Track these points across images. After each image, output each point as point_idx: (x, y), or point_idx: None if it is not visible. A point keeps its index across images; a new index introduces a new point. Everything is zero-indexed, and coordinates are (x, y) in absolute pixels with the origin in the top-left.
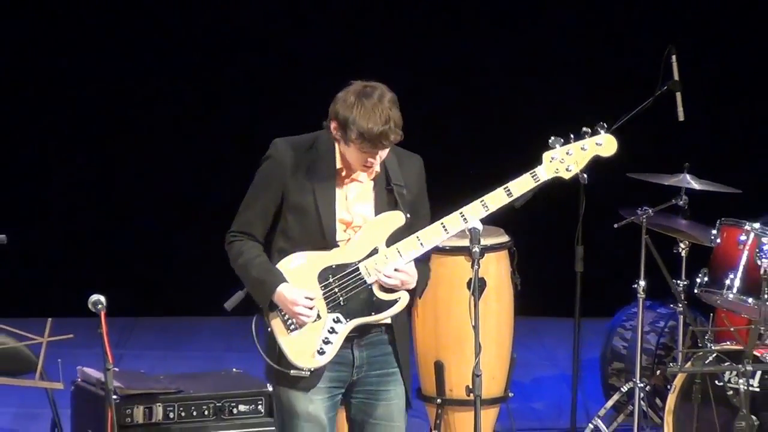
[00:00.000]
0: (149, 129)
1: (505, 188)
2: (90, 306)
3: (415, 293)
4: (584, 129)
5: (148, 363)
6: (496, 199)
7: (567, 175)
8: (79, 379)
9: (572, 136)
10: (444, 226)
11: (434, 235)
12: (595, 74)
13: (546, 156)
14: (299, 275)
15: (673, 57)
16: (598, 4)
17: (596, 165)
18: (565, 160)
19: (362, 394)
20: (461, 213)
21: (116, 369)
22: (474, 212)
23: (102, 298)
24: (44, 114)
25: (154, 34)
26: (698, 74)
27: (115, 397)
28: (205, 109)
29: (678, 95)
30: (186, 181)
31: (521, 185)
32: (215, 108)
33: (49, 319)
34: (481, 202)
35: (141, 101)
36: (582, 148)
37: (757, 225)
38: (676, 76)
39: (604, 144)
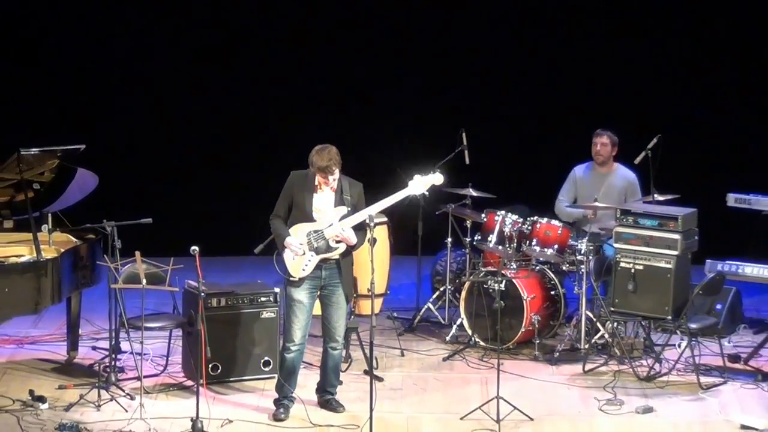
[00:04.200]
0: (227, 138)
1: (390, 197)
2: (191, 251)
3: (354, 247)
4: (431, 170)
5: (219, 279)
6: (386, 201)
7: (418, 193)
8: (186, 287)
9: (421, 174)
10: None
11: (359, 217)
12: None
13: (410, 183)
14: (297, 233)
15: (464, 134)
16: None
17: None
18: (418, 185)
19: (326, 290)
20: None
21: (203, 281)
22: (374, 209)
23: (196, 247)
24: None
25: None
26: (478, 140)
27: (203, 294)
28: (275, 128)
29: (465, 151)
30: (247, 179)
31: (396, 197)
32: (283, 126)
33: (171, 258)
34: (379, 204)
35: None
36: (426, 181)
37: (503, 211)
38: (464, 143)
39: (436, 179)
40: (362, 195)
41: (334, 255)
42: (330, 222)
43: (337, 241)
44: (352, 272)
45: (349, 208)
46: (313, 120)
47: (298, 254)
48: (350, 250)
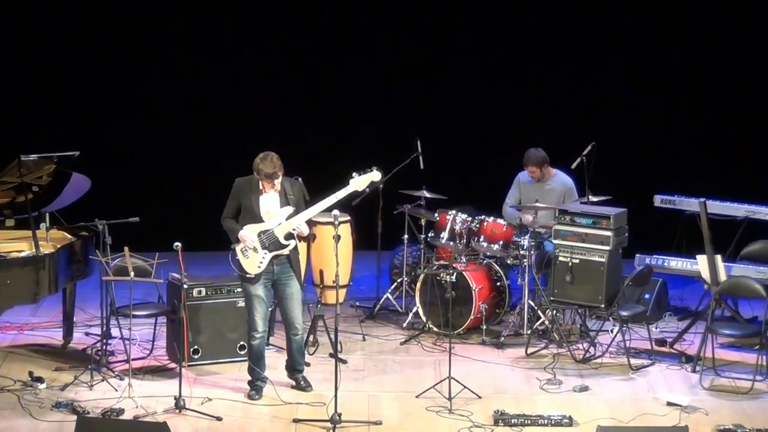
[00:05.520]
0: (205, 144)
1: (333, 195)
2: (174, 247)
3: (307, 237)
4: (368, 168)
5: (198, 271)
6: (330, 199)
7: (359, 189)
8: (170, 279)
9: (360, 173)
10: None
11: (305, 215)
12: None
13: (351, 181)
14: (249, 233)
15: (419, 142)
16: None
17: (392, 183)
18: (358, 183)
19: (279, 284)
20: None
21: (185, 274)
22: (319, 207)
23: (179, 243)
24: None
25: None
26: (434, 148)
27: (185, 285)
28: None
29: (420, 157)
30: (224, 182)
31: (339, 195)
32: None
33: (157, 253)
34: (323, 201)
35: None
36: (364, 178)
37: (453, 211)
38: (419, 150)
39: (374, 176)
40: (302, 190)
41: (285, 251)
42: (278, 221)
43: (287, 238)
44: (299, 262)
45: (294, 207)
46: (281, 127)
47: (250, 248)
48: (304, 240)
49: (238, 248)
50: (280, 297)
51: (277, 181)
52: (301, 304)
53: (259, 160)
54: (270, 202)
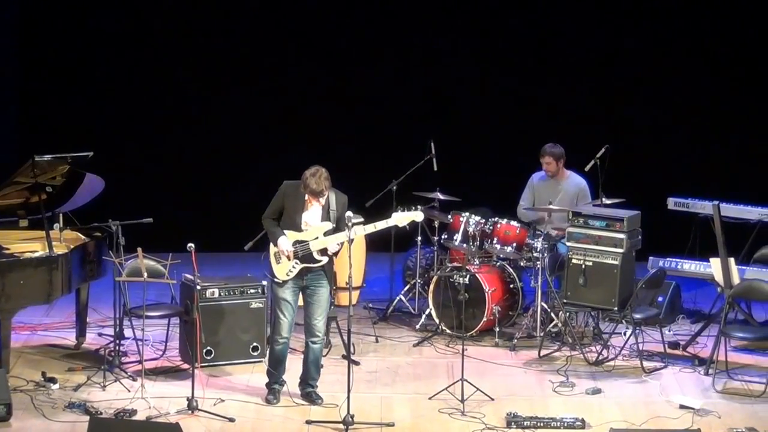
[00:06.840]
0: (219, 147)
1: (373, 224)
2: (187, 248)
3: (335, 256)
4: (413, 207)
5: (211, 272)
6: (369, 227)
7: (400, 225)
8: (183, 280)
9: (401, 209)
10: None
11: (342, 236)
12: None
13: (393, 215)
14: (286, 242)
15: (432, 144)
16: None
17: (406, 185)
18: (399, 219)
19: (308, 290)
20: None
21: (198, 275)
22: (357, 233)
23: (192, 244)
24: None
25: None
26: (448, 150)
27: (198, 286)
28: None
29: (434, 159)
30: (237, 183)
31: (378, 225)
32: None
33: (170, 254)
34: (363, 228)
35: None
36: (407, 216)
37: (467, 213)
38: (433, 151)
39: (416, 216)
40: (345, 205)
41: (316, 266)
42: (315, 235)
43: (321, 253)
44: (333, 271)
45: (334, 224)
46: (297, 132)
47: (284, 256)
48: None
49: (272, 251)
50: (306, 301)
51: (322, 199)
52: (327, 312)
53: (309, 175)
54: (312, 215)
